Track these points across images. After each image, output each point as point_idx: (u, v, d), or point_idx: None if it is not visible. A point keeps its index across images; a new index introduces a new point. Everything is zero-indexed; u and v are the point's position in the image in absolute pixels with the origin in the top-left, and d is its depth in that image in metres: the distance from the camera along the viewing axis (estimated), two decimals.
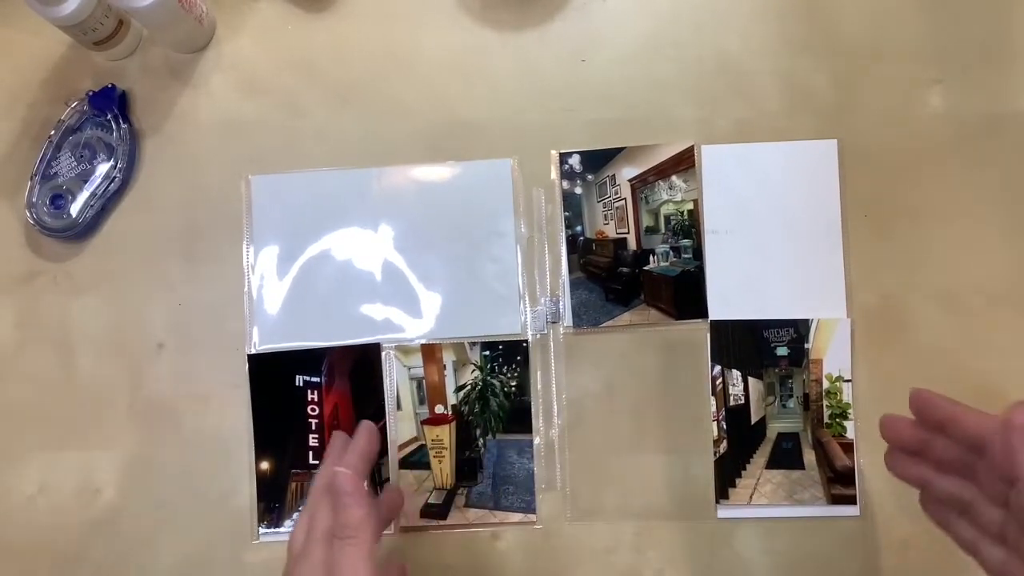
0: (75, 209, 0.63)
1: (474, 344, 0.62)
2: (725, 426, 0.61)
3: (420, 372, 0.62)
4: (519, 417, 0.62)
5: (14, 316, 0.64)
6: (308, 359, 0.63)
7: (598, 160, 0.63)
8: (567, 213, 0.63)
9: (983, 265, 0.61)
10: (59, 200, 0.64)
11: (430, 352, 0.62)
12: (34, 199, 0.64)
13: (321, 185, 0.64)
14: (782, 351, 0.61)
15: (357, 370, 0.62)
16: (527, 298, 0.62)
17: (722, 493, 0.60)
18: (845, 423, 0.60)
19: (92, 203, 0.64)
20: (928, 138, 0.62)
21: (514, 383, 0.62)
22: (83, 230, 0.64)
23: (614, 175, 0.63)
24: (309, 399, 0.63)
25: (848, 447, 0.60)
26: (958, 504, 0.46)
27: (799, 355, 0.61)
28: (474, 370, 0.62)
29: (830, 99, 0.63)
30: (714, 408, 0.61)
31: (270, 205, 0.64)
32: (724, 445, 0.61)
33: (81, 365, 0.64)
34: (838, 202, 0.62)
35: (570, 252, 0.63)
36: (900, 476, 0.49)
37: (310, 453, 0.62)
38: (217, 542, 0.62)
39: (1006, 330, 0.60)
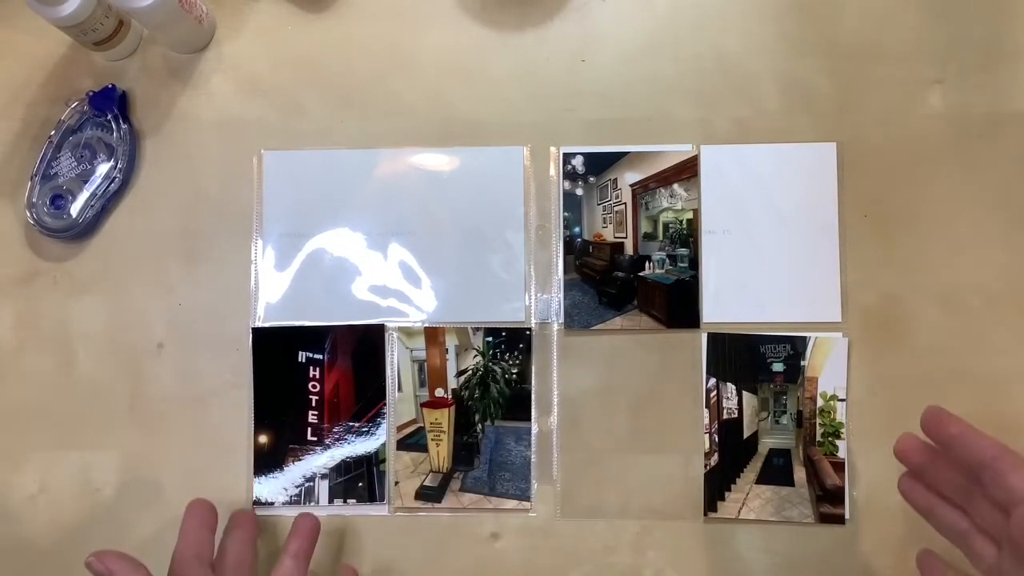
0: (75, 209, 0.63)
1: (477, 330, 0.62)
2: (717, 439, 0.61)
3: (422, 355, 0.63)
4: (519, 405, 0.62)
5: (14, 316, 0.64)
6: (312, 335, 0.63)
7: (601, 163, 0.63)
8: (566, 214, 0.63)
9: (983, 265, 0.61)
10: (59, 200, 0.64)
11: (433, 335, 0.63)
12: (34, 199, 0.64)
13: (333, 164, 0.64)
14: (778, 367, 0.61)
15: (360, 349, 0.63)
16: (533, 286, 0.63)
17: (711, 506, 0.60)
18: (837, 442, 0.60)
19: (92, 203, 0.64)
20: (928, 138, 0.62)
21: (515, 371, 0.62)
22: (83, 230, 0.64)
23: (616, 179, 0.63)
24: (311, 375, 0.63)
25: (839, 466, 0.60)
26: (954, 537, 0.47)
27: (795, 372, 0.61)
28: (476, 355, 0.62)
29: (830, 99, 0.63)
30: (707, 420, 0.61)
31: (282, 183, 0.64)
32: (715, 458, 0.60)
33: (81, 365, 0.64)
34: (835, 205, 0.61)
35: (566, 253, 0.63)
36: (907, 499, 0.50)
37: (308, 429, 0.62)
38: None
39: (1006, 330, 0.60)
